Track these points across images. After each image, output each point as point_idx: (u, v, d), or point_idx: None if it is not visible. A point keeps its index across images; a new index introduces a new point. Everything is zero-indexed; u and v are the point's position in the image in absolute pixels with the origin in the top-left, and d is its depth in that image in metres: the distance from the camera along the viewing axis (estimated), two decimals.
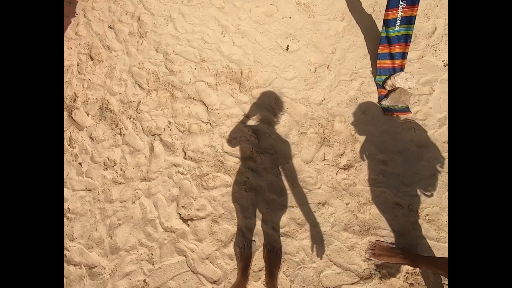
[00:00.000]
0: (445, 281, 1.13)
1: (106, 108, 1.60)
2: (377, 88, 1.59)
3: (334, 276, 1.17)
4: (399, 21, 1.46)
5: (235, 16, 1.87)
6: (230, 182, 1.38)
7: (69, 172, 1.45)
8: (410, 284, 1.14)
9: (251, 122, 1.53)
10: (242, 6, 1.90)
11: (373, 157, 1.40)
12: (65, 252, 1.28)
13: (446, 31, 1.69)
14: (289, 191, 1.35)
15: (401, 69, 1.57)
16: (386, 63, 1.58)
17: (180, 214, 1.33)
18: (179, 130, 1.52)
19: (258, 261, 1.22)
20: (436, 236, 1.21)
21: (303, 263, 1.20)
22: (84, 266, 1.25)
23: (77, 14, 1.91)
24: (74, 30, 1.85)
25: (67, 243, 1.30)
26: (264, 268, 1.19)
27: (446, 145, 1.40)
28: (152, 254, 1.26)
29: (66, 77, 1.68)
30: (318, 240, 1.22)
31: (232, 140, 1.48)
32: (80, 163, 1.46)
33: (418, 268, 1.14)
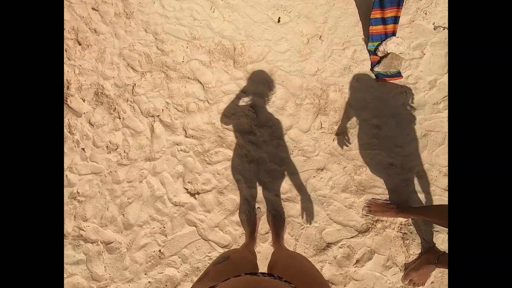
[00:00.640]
0: (434, 228, 1.24)
1: (102, 93, 1.60)
2: (370, 55, 1.60)
3: (335, 232, 1.27)
4: None
5: None
6: (232, 156, 1.43)
7: (73, 158, 1.48)
8: (404, 233, 1.25)
9: (248, 97, 1.55)
10: None
11: (367, 122, 1.45)
12: (81, 231, 1.35)
13: None
14: (289, 160, 1.41)
15: (393, 34, 1.58)
16: (378, 28, 1.59)
17: (187, 189, 1.39)
18: (177, 110, 1.54)
19: (264, 225, 1.31)
20: (427, 190, 1.30)
21: (306, 224, 1.29)
22: (101, 242, 1.32)
23: None
24: None
25: (81, 223, 1.36)
26: (270, 231, 1.28)
27: (436, 106, 1.46)
28: (164, 227, 1.33)
29: None
30: (311, 207, 1.31)
31: (231, 116, 1.51)
32: (83, 149, 1.49)
33: (410, 219, 1.25)
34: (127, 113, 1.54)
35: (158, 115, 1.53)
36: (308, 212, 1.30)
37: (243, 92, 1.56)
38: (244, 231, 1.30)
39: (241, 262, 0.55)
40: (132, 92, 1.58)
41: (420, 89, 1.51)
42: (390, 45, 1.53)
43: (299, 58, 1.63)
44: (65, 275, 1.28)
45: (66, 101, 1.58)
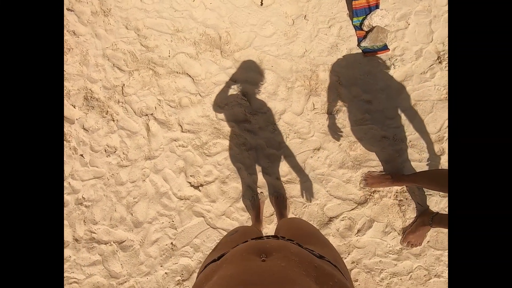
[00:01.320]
0: (427, 192, 1.32)
1: (91, 97, 1.58)
2: (355, 30, 1.60)
3: (336, 207, 1.34)
4: None
5: None
6: (230, 146, 1.46)
7: (73, 165, 1.49)
8: (400, 200, 1.32)
9: (239, 85, 1.55)
10: None
11: (359, 98, 1.48)
12: (93, 234, 1.39)
13: None
14: (285, 144, 1.45)
15: (377, 6, 1.57)
16: (361, 2, 1.57)
17: (190, 183, 1.43)
18: (170, 106, 1.54)
19: (268, 208, 1.37)
20: (419, 158, 1.37)
21: (307, 202, 1.36)
22: (113, 242, 1.37)
23: None
24: None
25: (91, 227, 1.40)
26: (275, 213, 1.35)
27: (423, 76, 1.49)
28: (173, 221, 1.38)
29: None
30: (306, 187, 1.37)
31: (224, 106, 1.52)
32: (81, 155, 1.50)
33: (405, 187, 1.32)
34: (120, 114, 1.54)
35: (152, 113, 1.53)
36: (307, 191, 1.36)
37: (234, 81, 1.56)
38: (250, 216, 1.36)
39: (248, 232, 0.60)
40: (122, 93, 1.57)
41: (407, 60, 1.53)
42: (374, 19, 1.53)
43: (285, 40, 1.62)
44: (83, 277, 1.34)
45: None
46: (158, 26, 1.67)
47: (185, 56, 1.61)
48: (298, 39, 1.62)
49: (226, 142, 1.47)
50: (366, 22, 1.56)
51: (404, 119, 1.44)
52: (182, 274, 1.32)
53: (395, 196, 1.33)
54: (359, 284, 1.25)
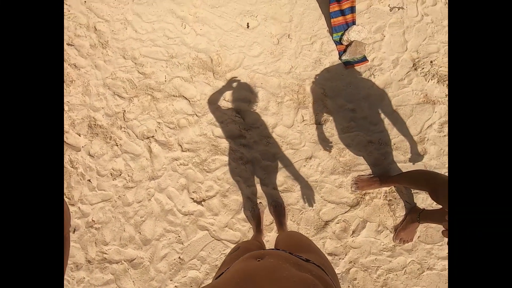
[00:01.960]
0: (414, 191, 1.42)
1: (95, 124, 1.68)
2: (336, 45, 1.74)
3: (330, 211, 1.44)
4: None
5: (189, 4, 1.89)
6: (228, 161, 1.56)
7: (82, 190, 1.58)
8: (389, 200, 1.42)
9: (233, 104, 1.67)
10: None
11: (343, 108, 1.60)
12: (104, 255, 1.47)
13: None
14: (280, 155, 1.55)
15: (353, 22, 1.71)
16: (339, 20, 1.71)
17: (193, 199, 1.52)
18: (169, 127, 1.65)
19: (267, 217, 1.46)
20: (403, 159, 1.48)
21: (304, 209, 1.45)
22: (124, 261, 1.45)
23: None
24: None
25: (102, 248, 1.48)
26: (274, 221, 1.44)
27: (401, 83, 1.62)
28: (179, 236, 1.47)
29: None
30: (307, 192, 1.47)
31: (220, 124, 1.63)
32: (89, 180, 1.59)
33: (392, 187, 1.42)
34: (123, 139, 1.64)
35: (153, 136, 1.63)
36: (307, 196, 1.45)
37: (227, 100, 1.67)
38: (251, 226, 1.45)
39: (249, 247, 0.69)
40: (124, 119, 1.68)
41: (385, 69, 1.66)
42: (352, 34, 1.66)
43: (272, 59, 1.75)
44: None
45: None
46: (153, 53, 1.80)
47: (180, 80, 1.73)
48: (284, 57, 1.74)
49: (224, 158, 1.57)
50: (344, 37, 1.69)
51: (387, 124, 1.56)
52: (191, 286, 1.39)
53: (384, 196, 1.43)
54: (357, 282, 1.33)
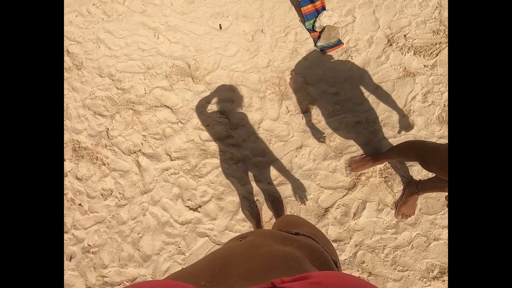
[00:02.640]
0: (408, 163, 1.41)
1: (79, 147, 1.64)
2: (310, 33, 1.74)
3: (328, 197, 1.41)
4: None
5: (160, 14, 1.88)
6: (219, 163, 1.54)
7: (74, 216, 1.53)
8: (385, 177, 1.41)
9: (216, 105, 1.65)
10: (162, 2, 1.91)
11: (326, 93, 1.59)
12: (105, 279, 1.41)
13: None
14: (270, 149, 1.53)
15: (323, 8, 1.72)
16: (308, 8, 1.72)
17: (188, 207, 1.49)
18: (155, 139, 1.62)
19: (267, 213, 1.43)
20: (393, 134, 1.47)
21: (302, 203, 1.42)
22: (126, 281, 1.40)
23: None
24: None
25: (102, 271, 1.43)
26: (273, 216, 1.40)
27: (379, 60, 1.62)
28: (180, 247, 1.42)
29: None
30: (297, 186, 1.44)
31: (206, 127, 1.61)
32: (80, 204, 1.54)
33: (386, 163, 1.41)
34: (110, 157, 1.60)
35: (140, 150, 1.60)
36: (299, 191, 1.43)
37: (210, 103, 1.66)
38: (251, 225, 1.41)
39: None
40: (108, 137, 1.64)
41: (362, 49, 1.67)
42: (323, 20, 1.67)
43: (249, 55, 1.74)
44: None
45: None
46: (129, 68, 1.78)
47: (160, 89, 1.71)
48: (260, 52, 1.74)
49: (215, 161, 1.54)
50: (317, 24, 1.70)
51: (371, 102, 1.56)
52: None
53: (380, 174, 1.42)
54: (366, 265, 1.30)
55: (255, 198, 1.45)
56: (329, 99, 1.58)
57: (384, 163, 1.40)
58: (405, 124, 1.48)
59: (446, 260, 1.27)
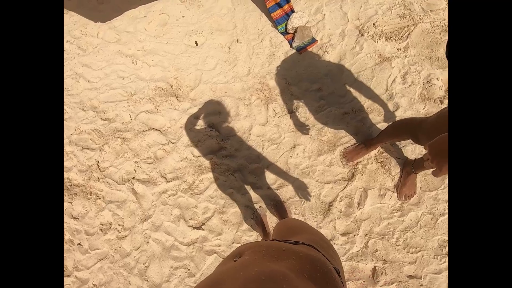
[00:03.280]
0: (400, 144, 1.42)
1: (71, 185, 1.60)
2: (284, 36, 1.79)
3: (330, 191, 1.41)
4: None
5: (135, 41, 1.90)
6: (216, 177, 1.52)
7: (74, 257, 1.47)
8: (381, 162, 1.42)
9: (204, 120, 1.65)
10: (136, 29, 1.93)
11: (310, 90, 1.62)
12: None
13: None
14: (264, 154, 1.53)
15: (292, 11, 1.78)
16: (278, 13, 1.78)
17: (192, 226, 1.45)
18: (148, 163, 1.59)
19: (271, 219, 1.41)
20: (380, 119, 1.49)
21: (306, 200, 1.41)
22: None
23: None
24: None
25: None
26: (278, 220, 1.38)
27: (354, 50, 1.67)
28: (189, 269, 1.38)
29: None
30: (298, 186, 1.44)
31: (197, 143, 1.60)
32: (79, 244, 1.48)
33: (379, 148, 1.42)
34: (104, 190, 1.56)
35: (133, 177, 1.57)
36: (300, 190, 1.42)
37: (198, 118, 1.66)
38: (258, 233, 1.38)
39: None
40: (99, 169, 1.61)
41: (336, 43, 1.72)
42: (294, 21, 1.72)
43: (229, 66, 1.77)
44: None
45: None
46: (112, 97, 1.77)
47: (146, 113, 1.71)
48: (239, 61, 1.77)
49: (211, 175, 1.52)
50: (289, 26, 1.75)
51: (354, 92, 1.59)
52: None
53: (375, 160, 1.43)
54: (380, 253, 1.29)
55: (257, 206, 1.44)
56: (313, 96, 1.61)
57: (378, 148, 1.42)
58: (390, 107, 1.51)
59: None
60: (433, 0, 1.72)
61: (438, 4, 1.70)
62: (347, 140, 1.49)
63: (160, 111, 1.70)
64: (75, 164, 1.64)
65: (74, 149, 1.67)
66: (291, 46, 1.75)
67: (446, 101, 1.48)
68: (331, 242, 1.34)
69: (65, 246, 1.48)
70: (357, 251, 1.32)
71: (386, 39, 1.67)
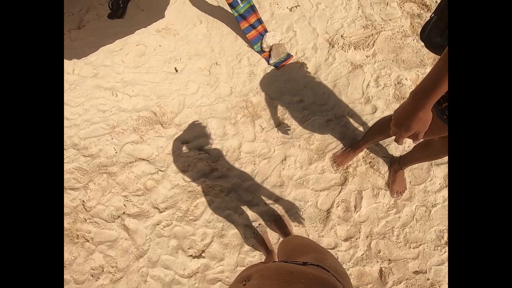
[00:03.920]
0: (384, 144, 1.49)
1: None
2: (260, 54, 1.87)
3: (326, 198, 1.42)
4: (239, 0, 1.74)
5: (113, 73, 1.90)
6: (211, 199, 1.49)
7: None
8: (369, 162, 1.47)
9: (192, 144, 1.64)
10: (113, 62, 1.93)
11: (292, 102, 1.68)
12: None
13: None
14: (256, 170, 1.53)
15: (265, 31, 1.88)
16: (252, 33, 1.87)
17: (191, 255, 1.38)
18: (138, 195, 1.53)
19: (272, 235, 1.38)
20: (362, 122, 1.57)
21: (301, 208, 1.41)
22: None
23: None
24: None
25: None
26: (280, 236, 1.36)
27: (328, 61, 1.78)
28: None
29: None
30: (296, 201, 1.45)
31: (187, 168, 1.57)
32: None
33: (365, 149, 1.48)
34: (92, 231, 1.47)
35: (123, 212, 1.50)
36: (298, 201, 1.42)
37: (186, 143, 1.64)
38: (260, 252, 1.35)
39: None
40: (85, 209, 1.52)
41: (310, 56, 1.82)
42: (268, 40, 1.82)
43: (211, 88, 1.80)
44: None
45: None
46: (93, 132, 1.72)
47: (131, 144, 1.67)
48: (220, 83, 1.81)
49: (205, 199, 1.49)
50: (264, 45, 1.84)
51: (334, 99, 1.67)
52: None
53: (364, 161, 1.48)
54: (383, 253, 1.30)
55: (257, 223, 1.41)
56: (296, 107, 1.66)
57: (364, 150, 1.47)
58: (369, 110, 1.60)
59: None
60: (390, 10, 1.90)
61: (394, 13, 1.89)
62: (335, 145, 1.54)
63: (146, 140, 1.67)
64: None
65: None
66: (268, 63, 1.83)
67: None
68: (335, 249, 1.33)
69: None
70: (362, 255, 1.32)
71: (355, 48, 1.80)
